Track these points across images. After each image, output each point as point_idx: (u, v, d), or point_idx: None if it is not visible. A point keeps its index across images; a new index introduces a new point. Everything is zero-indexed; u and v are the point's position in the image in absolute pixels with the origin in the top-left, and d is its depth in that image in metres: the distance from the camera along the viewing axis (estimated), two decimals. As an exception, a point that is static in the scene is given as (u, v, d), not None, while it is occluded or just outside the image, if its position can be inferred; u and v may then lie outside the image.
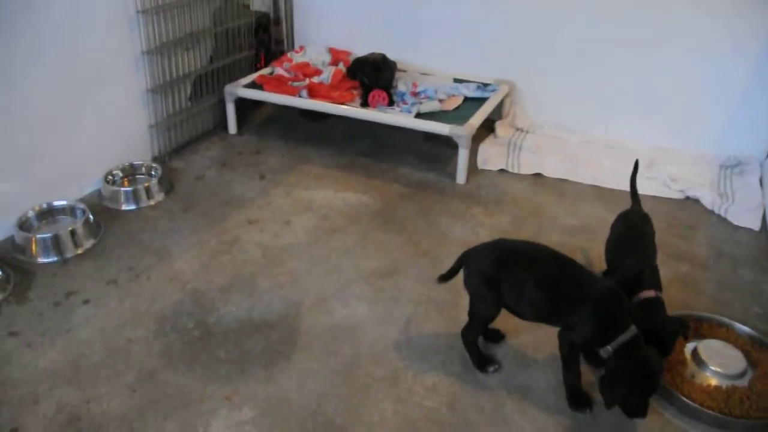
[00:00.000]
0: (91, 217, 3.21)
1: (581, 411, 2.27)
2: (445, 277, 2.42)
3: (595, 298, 2.17)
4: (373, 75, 4.06)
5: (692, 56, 3.95)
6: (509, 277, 2.24)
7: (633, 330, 2.15)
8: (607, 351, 2.15)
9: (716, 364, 2.43)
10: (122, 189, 3.49)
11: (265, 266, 3.02)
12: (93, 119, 3.51)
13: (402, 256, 3.10)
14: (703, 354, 2.47)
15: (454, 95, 4.19)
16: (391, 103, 4.01)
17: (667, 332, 2.29)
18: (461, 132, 3.66)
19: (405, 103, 4.02)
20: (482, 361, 2.44)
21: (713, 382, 2.40)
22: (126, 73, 3.65)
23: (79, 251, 3.08)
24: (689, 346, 2.53)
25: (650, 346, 2.18)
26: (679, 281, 2.98)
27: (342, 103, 4.02)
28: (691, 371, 2.44)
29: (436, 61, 4.58)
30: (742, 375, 2.41)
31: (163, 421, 2.21)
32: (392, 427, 2.21)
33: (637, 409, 2.14)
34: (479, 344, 2.47)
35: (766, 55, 3.82)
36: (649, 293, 2.40)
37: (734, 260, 3.18)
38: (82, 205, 3.26)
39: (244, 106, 4.45)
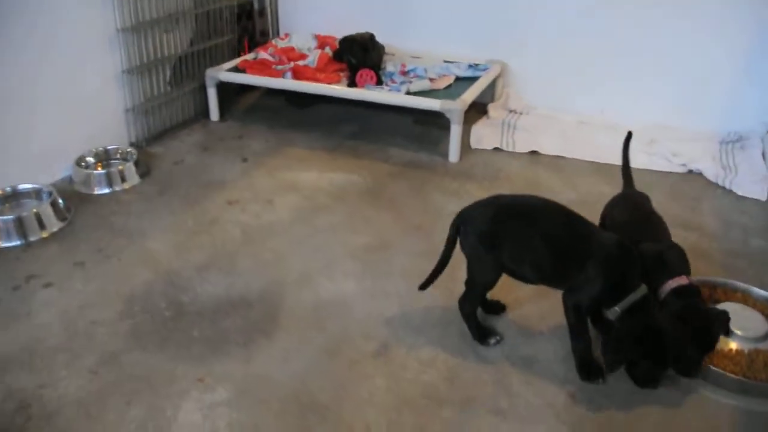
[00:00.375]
0: (59, 200, 2.99)
1: (593, 381, 2.04)
2: (446, 257, 2.19)
3: (602, 253, 1.96)
4: (360, 54, 3.87)
5: (689, 32, 3.79)
6: (510, 233, 2.03)
7: (644, 289, 1.95)
8: (615, 312, 1.94)
9: (737, 327, 2.22)
10: (94, 172, 3.28)
11: (246, 245, 2.80)
12: (64, 100, 3.30)
13: (393, 232, 2.88)
14: (723, 317, 2.25)
15: (444, 75, 4.00)
16: (379, 82, 3.81)
17: (712, 327, 1.98)
18: (453, 106, 3.46)
19: (394, 82, 3.83)
20: (482, 333, 2.21)
21: (734, 346, 2.19)
22: (100, 52, 3.45)
23: (45, 234, 2.85)
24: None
25: (665, 313, 1.97)
26: (687, 250, 2.75)
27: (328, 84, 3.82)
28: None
29: (425, 45, 4.40)
30: (764, 338, 2.20)
31: (125, 406, 1.98)
32: (385, 404, 1.98)
33: (646, 378, 1.94)
34: (478, 317, 2.25)
35: (765, 30, 3.66)
36: (681, 280, 2.09)
37: (744, 229, 2.98)
38: (48, 188, 3.04)
39: (228, 95, 4.26)
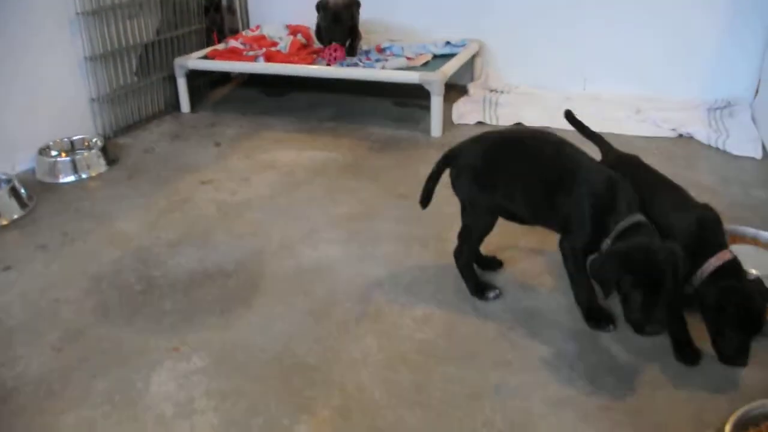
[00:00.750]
0: (20, 188, 2.79)
1: (603, 329, 1.89)
2: (428, 193, 2.04)
3: (589, 181, 1.82)
4: (331, 24, 3.71)
5: (668, 1, 3.72)
6: (503, 168, 1.89)
7: (636, 218, 1.76)
8: (605, 244, 1.79)
9: (750, 266, 2.08)
10: (59, 159, 3.09)
11: (221, 220, 2.62)
12: (24, 88, 3.12)
13: (377, 202, 2.72)
14: (736, 258, 2.13)
15: (421, 53, 3.88)
16: (351, 54, 3.67)
17: (756, 304, 1.67)
18: (433, 78, 3.34)
19: (369, 59, 3.70)
20: (480, 287, 2.05)
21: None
22: (60, 37, 3.28)
23: (4, 222, 2.65)
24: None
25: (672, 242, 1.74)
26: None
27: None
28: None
29: (401, 28, 4.29)
30: (779, 276, 2.06)
31: (91, 379, 1.78)
32: (379, 363, 1.80)
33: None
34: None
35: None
36: (724, 255, 1.76)
37: (743, 184, 2.88)
38: (5, 176, 2.84)
39: (198, 90, 4.10)
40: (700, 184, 2.86)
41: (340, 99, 4.00)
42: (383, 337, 1.90)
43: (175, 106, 3.99)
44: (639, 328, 1.66)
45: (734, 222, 2.50)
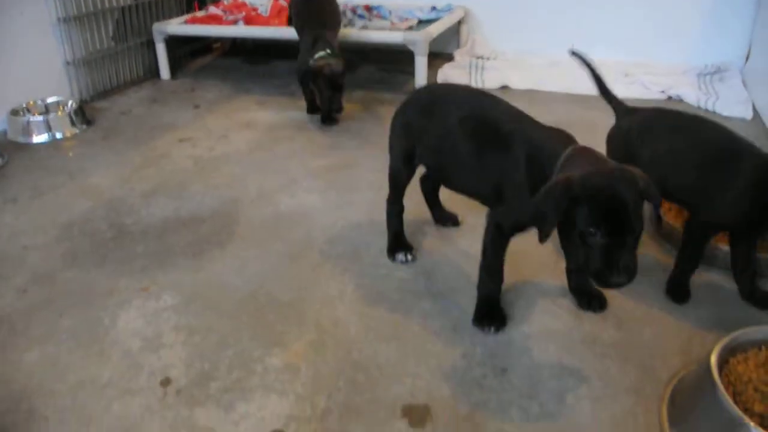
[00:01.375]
0: (-11, 145, 2.70)
1: (484, 328, 1.62)
2: None
3: (520, 141, 1.49)
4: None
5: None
6: (432, 119, 1.70)
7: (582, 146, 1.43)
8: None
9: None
10: (31, 119, 3.00)
11: (197, 173, 2.55)
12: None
13: (357, 154, 2.67)
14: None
15: (406, 18, 3.81)
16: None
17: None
18: (417, 37, 3.28)
19: (354, 12, 3.63)
20: (394, 245, 1.92)
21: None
22: (30, -4, 3.19)
23: (-27, 178, 2.56)
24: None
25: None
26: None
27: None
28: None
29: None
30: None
31: (57, 318, 1.71)
32: (356, 300, 1.75)
33: (611, 262, 1.25)
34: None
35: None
36: None
37: None
38: (-26, 132, 2.75)
39: (179, 58, 4.02)
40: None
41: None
42: (361, 277, 1.84)
43: (155, 72, 3.90)
44: (602, 280, 1.27)
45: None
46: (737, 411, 1.19)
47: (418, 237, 2.02)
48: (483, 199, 1.65)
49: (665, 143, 1.73)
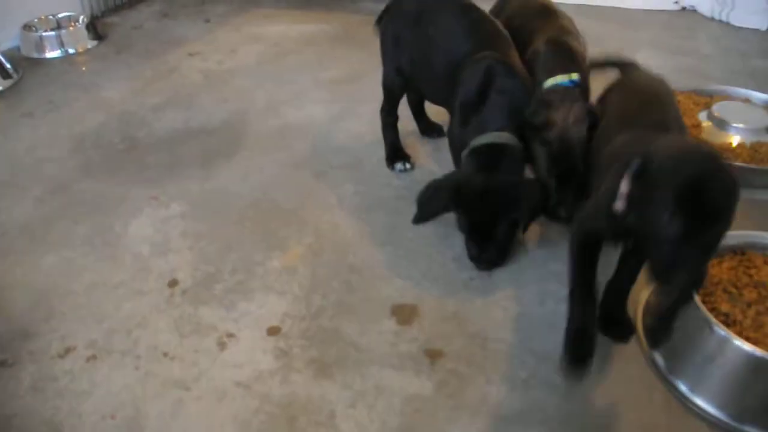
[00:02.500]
0: (6, 63, 2.75)
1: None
2: None
3: (470, 67, 1.57)
4: None
5: None
6: (418, 33, 1.74)
7: (503, 137, 1.51)
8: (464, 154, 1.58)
9: (737, 121, 2.04)
10: (44, 34, 3.02)
11: (207, 86, 2.58)
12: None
13: (364, 67, 2.65)
14: (721, 113, 2.08)
15: None
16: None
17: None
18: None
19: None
20: (392, 154, 1.96)
21: (736, 139, 2.02)
22: None
23: (-12, 93, 2.63)
24: (702, 113, 2.14)
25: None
26: (683, 71, 2.56)
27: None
28: (709, 132, 2.04)
29: None
30: (767, 131, 2.02)
31: (73, 225, 1.81)
32: (355, 207, 1.82)
33: (479, 252, 1.55)
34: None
35: None
36: None
37: (743, 54, 2.77)
38: (-13, 48, 2.80)
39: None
40: (696, 53, 2.77)
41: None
42: (361, 184, 1.90)
43: (166, -14, 3.85)
44: (476, 262, 1.54)
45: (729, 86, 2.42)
46: (704, 311, 1.23)
47: (418, 149, 2.05)
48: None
49: None
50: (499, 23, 1.71)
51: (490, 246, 1.50)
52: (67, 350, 1.42)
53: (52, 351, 1.42)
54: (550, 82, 1.53)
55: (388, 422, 1.21)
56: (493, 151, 1.50)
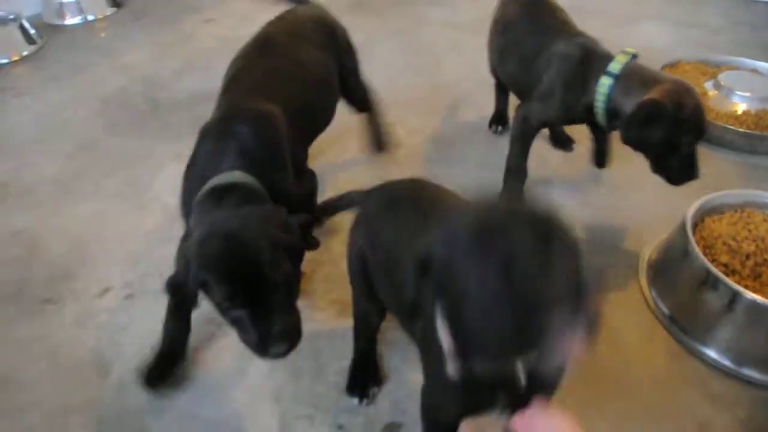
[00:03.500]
0: (27, 25, 2.84)
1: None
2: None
3: None
4: None
5: None
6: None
7: (235, 177, 1.28)
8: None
9: (743, 89, 2.12)
10: (64, 1, 3.10)
11: (222, 51, 2.63)
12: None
13: (375, 34, 2.74)
14: (727, 82, 2.16)
15: None
16: None
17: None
18: None
19: None
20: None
21: (741, 107, 2.10)
22: None
23: (15, 57, 2.73)
24: (708, 83, 2.22)
25: None
26: (688, 43, 2.63)
27: None
28: (714, 101, 2.13)
29: None
30: (772, 99, 2.11)
31: (103, 178, 1.92)
32: (368, 163, 1.90)
33: (260, 339, 1.09)
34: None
35: None
36: None
37: (753, 26, 2.83)
38: (12, 14, 2.88)
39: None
40: (706, 25, 2.83)
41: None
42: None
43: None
44: (260, 351, 1.11)
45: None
46: (705, 261, 1.34)
47: (429, 112, 2.14)
48: None
49: None
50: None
51: (269, 324, 1.09)
52: (105, 290, 1.54)
53: (92, 291, 1.54)
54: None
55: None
56: (233, 192, 1.25)
